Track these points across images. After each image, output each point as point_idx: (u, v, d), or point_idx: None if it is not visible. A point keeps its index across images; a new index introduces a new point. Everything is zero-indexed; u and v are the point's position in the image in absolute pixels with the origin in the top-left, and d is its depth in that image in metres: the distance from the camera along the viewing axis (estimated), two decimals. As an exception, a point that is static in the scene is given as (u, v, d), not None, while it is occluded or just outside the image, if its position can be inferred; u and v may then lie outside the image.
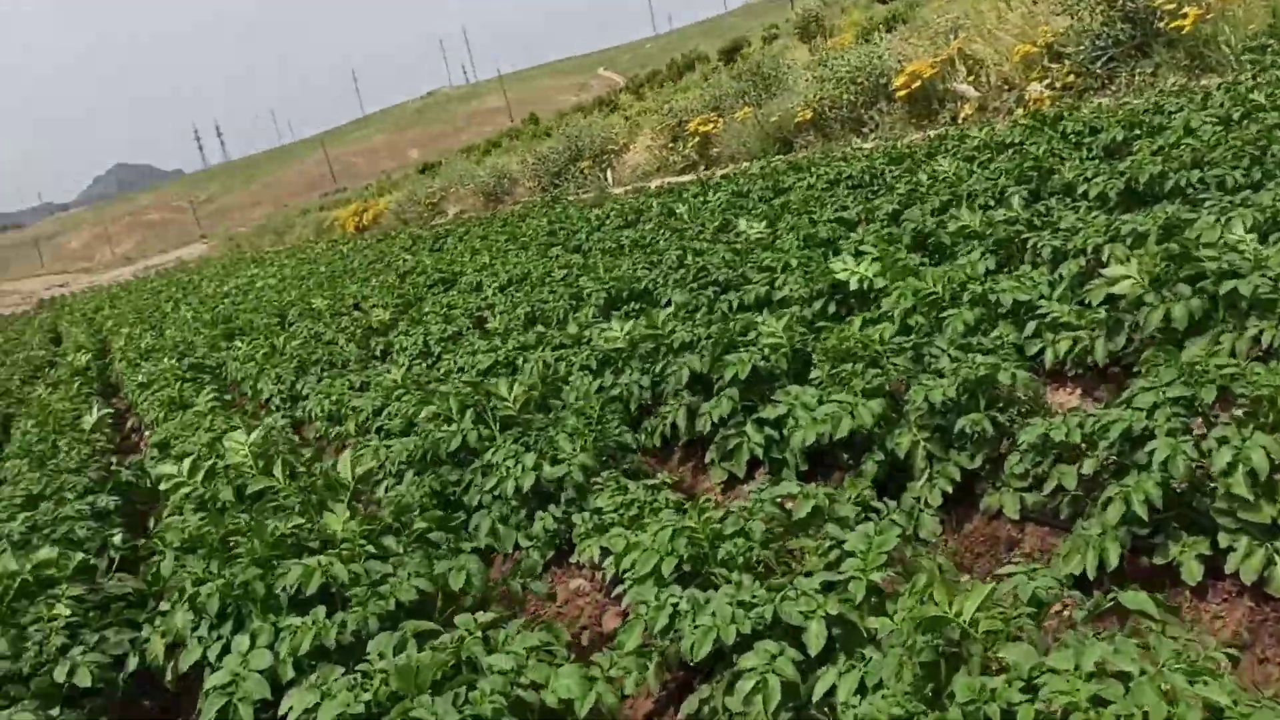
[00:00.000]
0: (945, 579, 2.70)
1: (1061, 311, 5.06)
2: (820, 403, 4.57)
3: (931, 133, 15.47)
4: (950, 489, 4.15)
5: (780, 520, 3.55)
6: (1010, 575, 2.85)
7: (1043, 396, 4.76)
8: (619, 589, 3.72)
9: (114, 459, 8.90)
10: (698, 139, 22.23)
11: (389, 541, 3.85)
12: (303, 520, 3.95)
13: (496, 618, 3.16)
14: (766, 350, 5.18)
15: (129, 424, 13.11)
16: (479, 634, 3.06)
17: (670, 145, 23.72)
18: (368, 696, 2.87)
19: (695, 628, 3.03)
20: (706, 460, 5.32)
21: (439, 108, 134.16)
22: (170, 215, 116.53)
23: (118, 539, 5.72)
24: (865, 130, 18.30)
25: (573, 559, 4.72)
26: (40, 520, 5.80)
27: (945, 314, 5.37)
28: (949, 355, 4.59)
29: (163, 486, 5.52)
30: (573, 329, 7.25)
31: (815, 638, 2.89)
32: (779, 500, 3.60)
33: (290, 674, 3.37)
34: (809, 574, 3.30)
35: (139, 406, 11.66)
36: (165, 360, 12.71)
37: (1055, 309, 5.08)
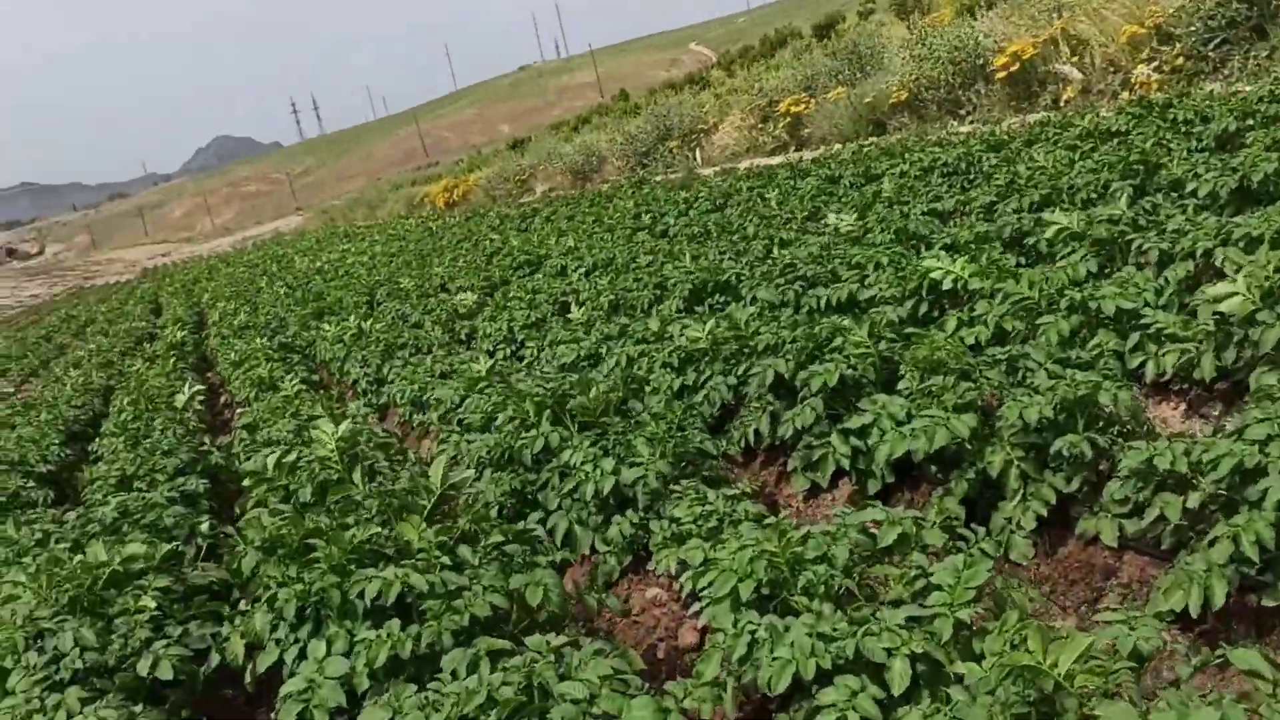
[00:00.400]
0: (1040, 626, 2.56)
1: (1167, 322, 4.82)
2: (909, 416, 4.42)
3: (1031, 117, 15.02)
4: (1044, 512, 3.98)
5: (864, 546, 3.43)
6: (1110, 624, 2.69)
7: (1144, 413, 4.55)
8: (696, 606, 3.65)
9: (206, 438, 9.08)
10: (788, 119, 21.92)
11: (465, 552, 3.82)
12: (380, 530, 3.95)
13: (570, 641, 3.11)
14: (853, 359, 5.04)
15: (222, 399, 13.42)
16: (551, 657, 3.01)
17: (760, 126, 23.46)
18: (438, 718, 2.85)
19: (774, 660, 2.94)
20: (789, 468, 5.21)
21: (530, 82, 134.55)
22: (268, 187, 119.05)
23: (205, 527, 5.81)
24: (962, 112, 17.86)
25: (649, 566, 4.66)
26: (131, 506, 5.91)
27: (1041, 320, 5.17)
28: (1045, 370, 4.39)
29: (246, 483, 5.59)
30: (655, 323, 7.16)
31: (899, 677, 2.78)
32: (864, 525, 3.47)
33: (365, 684, 3.37)
34: (895, 603, 3.18)
35: (231, 384, 11.92)
36: (257, 339, 12.96)
37: (1160, 319, 4.85)
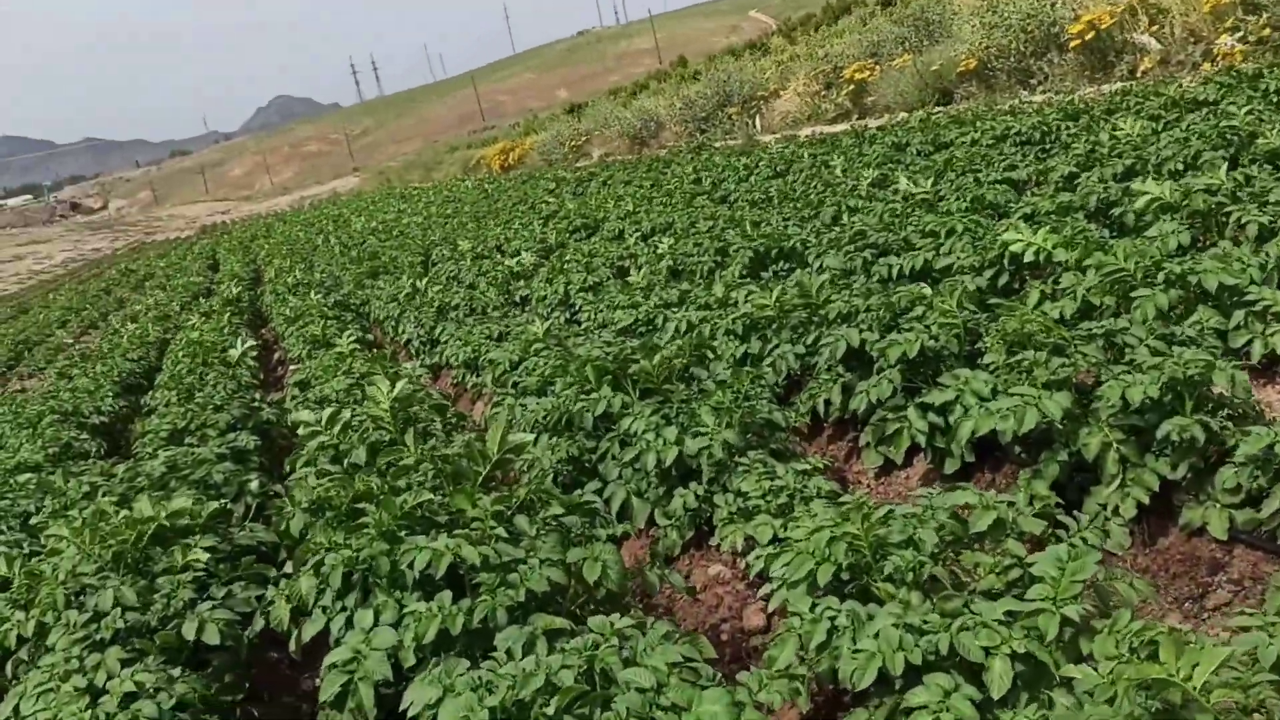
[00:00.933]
0: (1174, 633, 2.28)
1: (1274, 299, 4.48)
2: (993, 392, 4.13)
3: (1106, 87, 14.48)
4: (1146, 500, 3.68)
5: (951, 530, 3.16)
6: (1245, 630, 2.41)
7: (1252, 395, 4.22)
8: (766, 588, 3.41)
9: (258, 394, 8.97)
10: (852, 87, 21.41)
11: (522, 521, 3.61)
12: (432, 496, 3.74)
13: (635, 623, 2.87)
14: (935, 329, 4.74)
15: (276, 356, 13.38)
16: (614, 641, 2.78)
17: (822, 93, 22.97)
18: (493, 702, 2.63)
19: (857, 652, 2.70)
20: (861, 443, 4.94)
21: (588, 48, 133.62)
22: (326, 147, 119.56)
23: (254, 485, 5.67)
24: (1033, 82, 17.31)
25: (712, 541, 4.42)
26: (180, 460, 5.78)
27: (1135, 295, 4.83)
28: (1148, 347, 4.07)
29: (301, 432, 5.42)
30: (718, 290, 6.89)
31: (999, 678, 2.52)
32: (953, 508, 3.20)
33: (413, 659, 3.17)
34: (988, 594, 2.92)
35: (285, 340, 11.84)
36: (312, 295, 12.86)
37: (1267, 296, 4.51)
